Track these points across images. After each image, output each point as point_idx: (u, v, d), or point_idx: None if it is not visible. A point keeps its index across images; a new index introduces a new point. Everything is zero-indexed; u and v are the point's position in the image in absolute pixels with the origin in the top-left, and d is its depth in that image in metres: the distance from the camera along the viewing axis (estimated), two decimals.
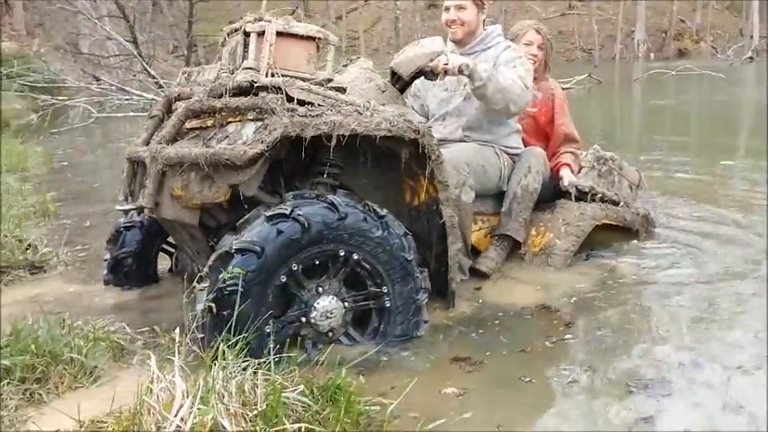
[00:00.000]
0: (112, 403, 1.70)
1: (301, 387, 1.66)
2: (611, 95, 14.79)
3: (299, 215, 2.09)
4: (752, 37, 29.47)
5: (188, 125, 2.38)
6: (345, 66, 2.94)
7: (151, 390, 1.54)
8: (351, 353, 2.15)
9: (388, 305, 2.28)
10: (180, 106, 2.41)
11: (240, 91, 2.23)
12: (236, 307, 1.96)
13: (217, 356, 1.69)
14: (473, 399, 1.93)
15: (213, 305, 2.00)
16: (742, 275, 2.89)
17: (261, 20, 2.33)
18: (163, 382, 1.54)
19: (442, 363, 2.18)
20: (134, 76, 12.71)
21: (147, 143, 2.50)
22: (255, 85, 2.19)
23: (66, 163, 7.14)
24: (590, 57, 28.60)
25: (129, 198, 2.62)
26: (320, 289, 2.21)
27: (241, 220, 2.20)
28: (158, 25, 20.34)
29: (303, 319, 2.19)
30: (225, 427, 1.47)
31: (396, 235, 2.26)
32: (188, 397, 1.47)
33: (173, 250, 3.12)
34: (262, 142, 2.08)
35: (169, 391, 1.52)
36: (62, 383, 2.00)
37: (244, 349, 1.79)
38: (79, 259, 3.51)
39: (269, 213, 2.12)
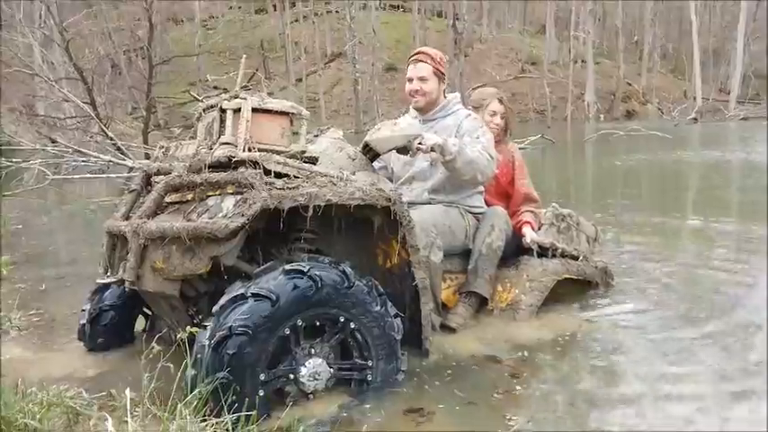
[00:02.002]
0: None
1: None
2: (564, 155, 15.25)
3: (314, 274, 2.19)
4: (695, 99, 30.95)
5: (168, 199, 2.47)
6: (316, 136, 3.06)
7: None
8: (309, 410, 2.18)
9: (369, 379, 2.35)
10: (159, 181, 2.49)
11: (219, 165, 2.32)
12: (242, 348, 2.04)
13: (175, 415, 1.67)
14: None
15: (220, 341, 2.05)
16: (697, 329, 2.97)
17: (237, 97, 2.45)
18: None
19: (396, 415, 2.22)
20: (91, 137, 12.59)
21: (127, 217, 2.58)
22: (234, 159, 2.29)
23: (20, 226, 6.97)
24: (543, 117, 29.58)
25: (110, 271, 2.66)
26: (312, 350, 2.27)
27: (258, 270, 2.26)
28: (117, 87, 20.36)
29: (291, 376, 2.23)
30: None
31: (390, 314, 2.37)
32: None
33: (150, 312, 3.08)
34: (242, 215, 2.16)
35: None
36: None
37: (204, 407, 1.77)
38: (33, 324, 3.42)
39: (287, 267, 2.20)
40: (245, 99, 2.42)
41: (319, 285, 2.19)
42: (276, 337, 2.15)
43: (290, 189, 2.24)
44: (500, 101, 3.63)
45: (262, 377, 2.11)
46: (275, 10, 38.05)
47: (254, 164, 2.27)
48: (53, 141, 12.33)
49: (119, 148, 11.59)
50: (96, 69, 15.00)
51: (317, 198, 2.24)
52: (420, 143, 2.86)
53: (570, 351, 2.79)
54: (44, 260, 5.24)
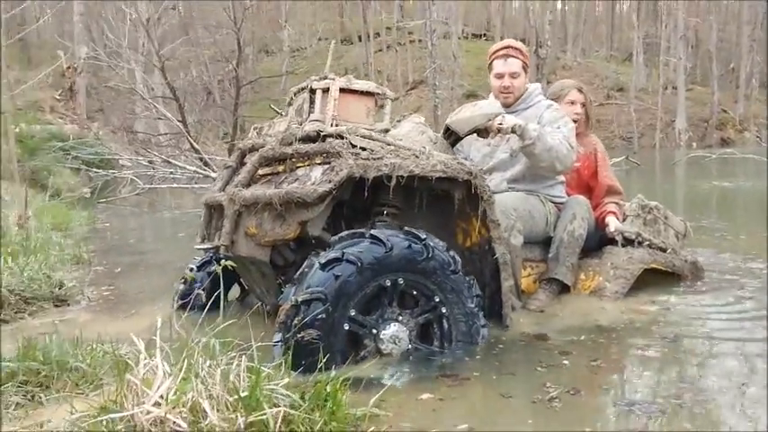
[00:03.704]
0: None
1: (286, 380, 1.66)
2: (651, 176, 14.67)
3: (429, 244, 2.32)
4: None
5: (260, 172, 2.63)
6: (399, 121, 3.15)
7: (135, 369, 1.55)
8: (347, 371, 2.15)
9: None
10: (253, 156, 2.65)
11: (308, 139, 2.47)
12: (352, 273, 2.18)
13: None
14: (449, 406, 1.95)
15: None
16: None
17: (325, 78, 2.61)
18: (146, 360, 1.56)
19: (429, 378, 2.20)
20: (181, 152, 13.25)
21: (223, 189, 2.75)
22: (322, 133, 2.44)
23: (107, 224, 7.41)
24: (630, 144, 28.59)
25: (206, 240, 2.83)
26: (400, 317, 2.34)
27: (378, 223, 2.46)
28: (211, 114, 21.39)
29: (374, 330, 2.28)
30: (205, 409, 1.47)
31: (480, 318, 2.44)
32: (169, 377, 1.49)
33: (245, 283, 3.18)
34: (330, 182, 2.29)
35: (153, 371, 1.54)
36: (63, 389, 2.02)
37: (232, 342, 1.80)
38: (103, 297, 3.60)
39: (407, 229, 2.36)
40: (333, 80, 2.57)
41: (429, 255, 2.28)
42: (377, 284, 2.22)
43: (375, 159, 2.33)
44: (579, 90, 3.58)
45: (352, 312, 2.17)
46: (360, 40, 38.98)
47: (341, 137, 2.40)
48: (149, 161, 13.05)
49: (205, 162, 12.12)
50: (188, 89, 15.83)
51: (401, 168, 2.32)
52: (500, 123, 2.85)
53: (627, 337, 2.64)
54: (123, 250, 5.53)
